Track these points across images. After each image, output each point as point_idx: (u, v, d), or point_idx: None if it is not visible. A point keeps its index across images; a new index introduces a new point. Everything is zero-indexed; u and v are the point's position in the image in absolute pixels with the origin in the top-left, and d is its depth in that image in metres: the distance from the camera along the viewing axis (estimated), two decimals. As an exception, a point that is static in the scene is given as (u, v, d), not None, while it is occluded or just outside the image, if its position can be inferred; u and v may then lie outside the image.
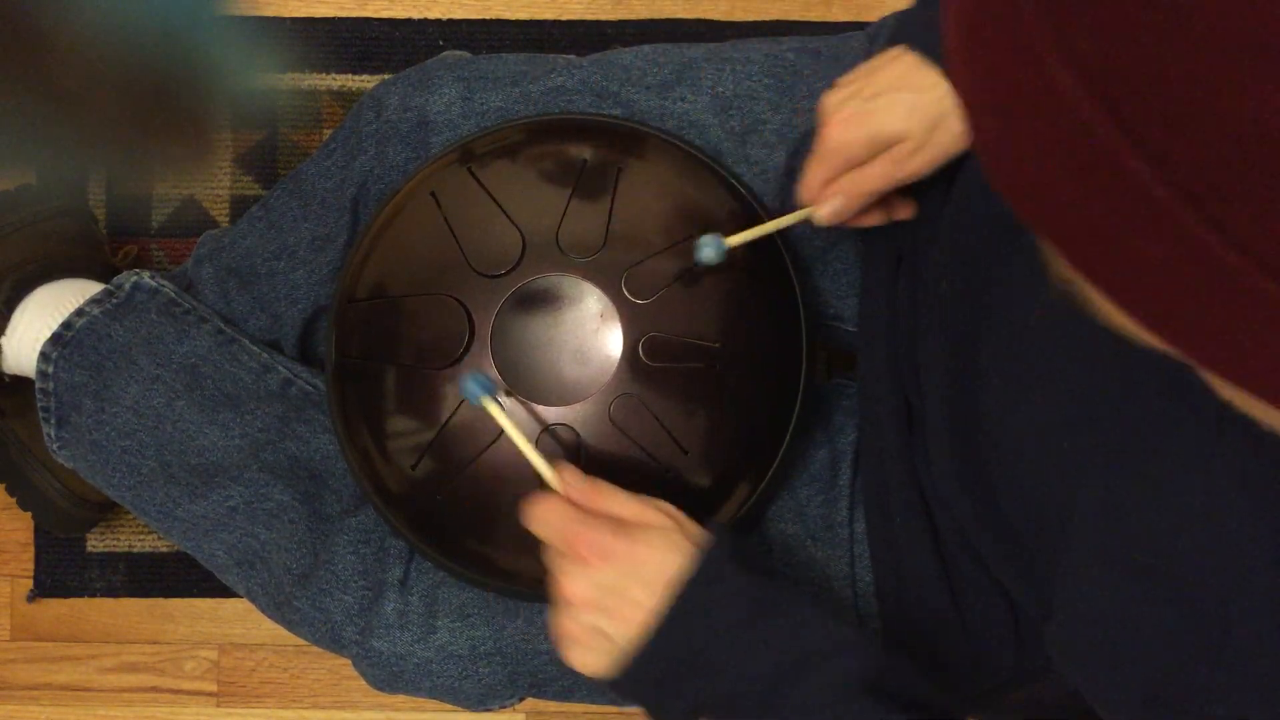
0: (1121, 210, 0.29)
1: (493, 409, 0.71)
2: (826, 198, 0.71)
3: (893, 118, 0.68)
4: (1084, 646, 0.57)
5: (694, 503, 0.76)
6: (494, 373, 0.74)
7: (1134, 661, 0.54)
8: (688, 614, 0.62)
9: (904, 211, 0.75)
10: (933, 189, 0.73)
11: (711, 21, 1.19)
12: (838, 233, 0.82)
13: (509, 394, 0.74)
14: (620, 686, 0.65)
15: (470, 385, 0.70)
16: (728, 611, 0.63)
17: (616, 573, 0.63)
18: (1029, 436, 0.60)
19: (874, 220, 0.74)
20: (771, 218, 0.80)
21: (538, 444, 0.73)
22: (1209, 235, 0.27)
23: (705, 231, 0.73)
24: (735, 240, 0.73)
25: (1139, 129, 0.28)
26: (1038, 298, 0.59)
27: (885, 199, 0.73)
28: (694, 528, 0.66)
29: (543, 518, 0.66)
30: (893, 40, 0.71)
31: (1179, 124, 0.27)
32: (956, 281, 0.68)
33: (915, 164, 0.68)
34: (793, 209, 0.75)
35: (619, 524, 0.65)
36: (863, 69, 0.71)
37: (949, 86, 0.66)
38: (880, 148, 0.69)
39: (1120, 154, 0.28)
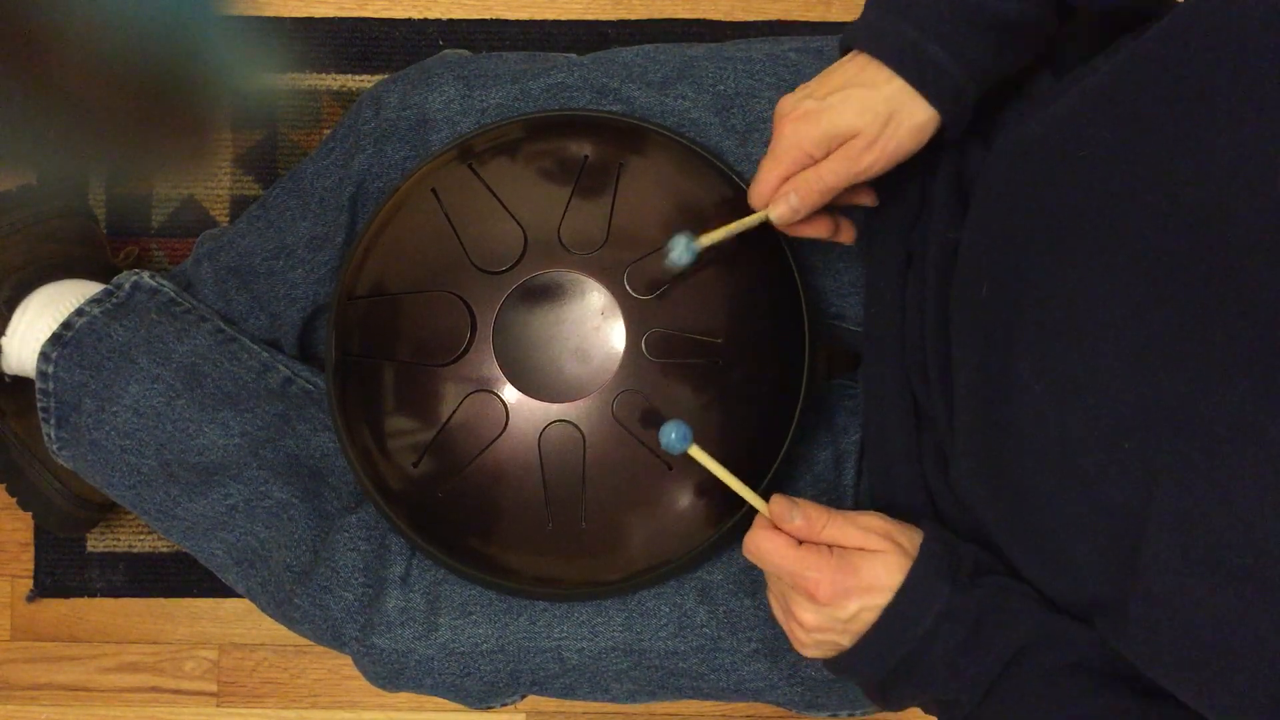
0: None
1: (699, 455, 0.71)
2: (780, 196, 0.70)
3: (846, 113, 0.68)
4: (1185, 655, 0.56)
5: (697, 499, 0.76)
6: (497, 369, 0.74)
7: (1255, 667, 0.53)
8: (899, 638, 0.66)
9: (847, 233, 0.75)
10: (947, 195, 0.73)
11: (711, 21, 1.19)
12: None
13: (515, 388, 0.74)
14: (842, 675, 0.71)
15: (670, 434, 0.70)
16: (941, 630, 0.66)
17: (847, 605, 0.67)
18: (1082, 442, 0.59)
19: (820, 231, 0.74)
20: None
21: (540, 441, 0.73)
22: None
23: (688, 229, 0.73)
24: (706, 240, 0.73)
25: None
26: (1086, 301, 0.59)
27: (833, 210, 0.73)
28: (911, 540, 0.69)
29: (764, 555, 0.69)
30: (842, 47, 0.71)
31: None
32: (991, 286, 0.68)
33: (869, 159, 0.68)
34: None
35: (842, 556, 0.68)
36: (818, 75, 0.72)
37: (901, 83, 0.67)
38: (834, 145, 0.69)
39: None
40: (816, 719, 0.87)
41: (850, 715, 0.85)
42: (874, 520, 0.70)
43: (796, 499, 0.71)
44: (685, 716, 1.20)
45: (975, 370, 0.68)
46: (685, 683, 0.82)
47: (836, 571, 0.67)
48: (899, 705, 0.71)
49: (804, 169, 0.70)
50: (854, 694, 0.84)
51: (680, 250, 0.72)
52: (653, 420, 0.74)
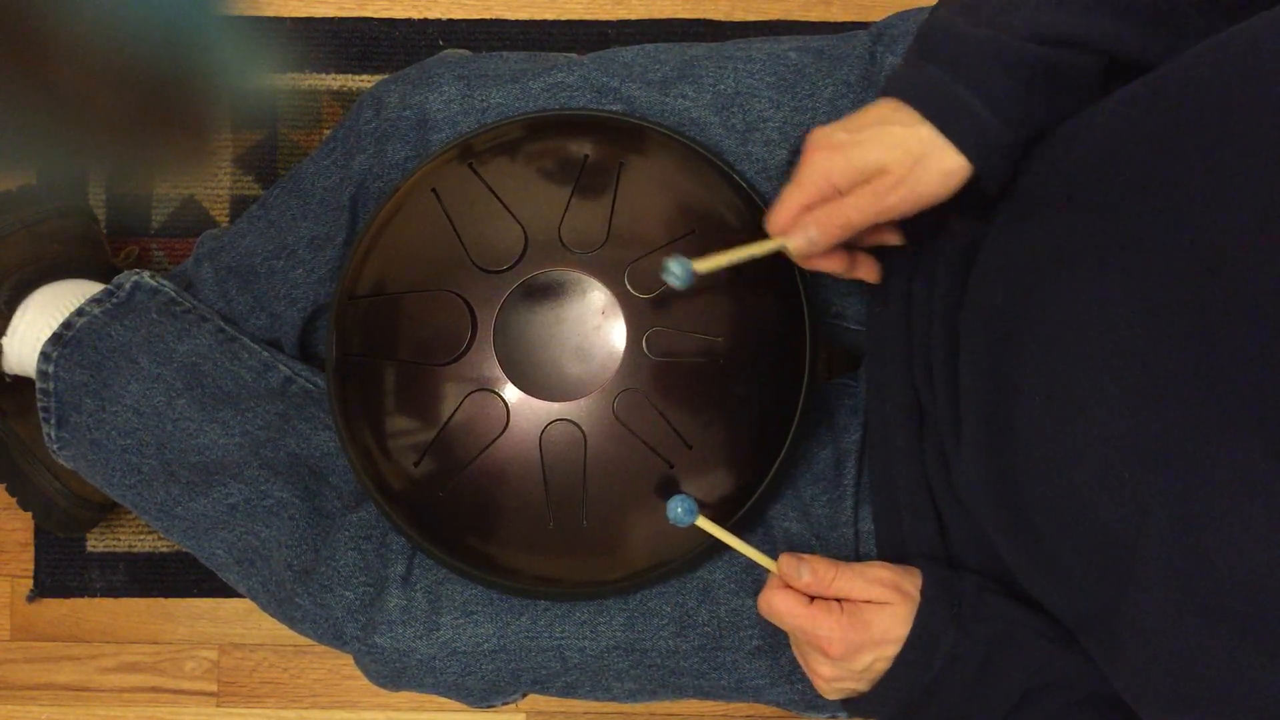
0: None
1: (706, 525, 0.74)
2: (799, 227, 0.68)
3: (876, 149, 0.66)
4: (1175, 693, 0.55)
5: (699, 497, 0.76)
6: (498, 368, 0.74)
7: (1249, 713, 0.52)
8: (910, 685, 0.70)
9: (867, 269, 0.74)
10: (966, 191, 0.72)
11: (711, 21, 1.19)
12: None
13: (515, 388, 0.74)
14: (861, 715, 0.76)
15: (675, 508, 0.73)
16: (950, 672, 0.69)
17: (861, 658, 0.70)
18: (1078, 460, 0.58)
19: (834, 266, 0.72)
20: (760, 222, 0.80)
21: (541, 440, 0.73)
22: None
23: (696, 235, 0.72)
24: (703, 266, 0.70)
25: None
26: (1095, 322, 0.58)
27: (850, 247, 0.72)
28: (916, 585, 0.71)
29: (778, 614, 0.72)
30: (880, 94, 0.70)
31: None
32: (1006, 291, 0.67)
33: (894, 199, 0.66)
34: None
35: (852, 612, 0.70)
36: (855, 111, 0.70)
37: (931, 129, 0.65)
38: (861, 179, 0.67)
39: None
40: (816, 719, 0.87)
41: (849, 717, 0.85)
42: (880, 571, 0.72)
43: (804, 555, 0.73)
44: (685, 716, 1.20)
45: (981, 373, 0.67)
46: (686, 681, 0.82)
47: (848, 629, 0.69)
48: None
49: (827, 201, 0.68)
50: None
51: (670, 275, 0.69)
52: (652, 422, 0.74)
